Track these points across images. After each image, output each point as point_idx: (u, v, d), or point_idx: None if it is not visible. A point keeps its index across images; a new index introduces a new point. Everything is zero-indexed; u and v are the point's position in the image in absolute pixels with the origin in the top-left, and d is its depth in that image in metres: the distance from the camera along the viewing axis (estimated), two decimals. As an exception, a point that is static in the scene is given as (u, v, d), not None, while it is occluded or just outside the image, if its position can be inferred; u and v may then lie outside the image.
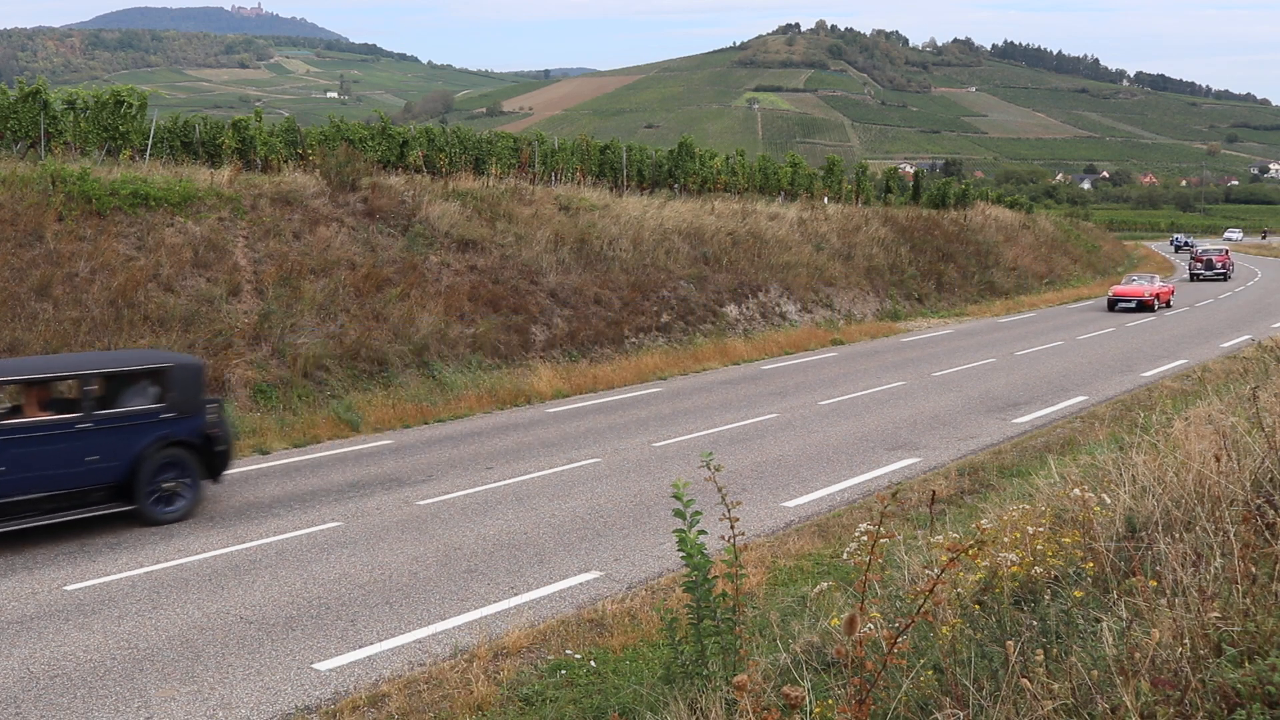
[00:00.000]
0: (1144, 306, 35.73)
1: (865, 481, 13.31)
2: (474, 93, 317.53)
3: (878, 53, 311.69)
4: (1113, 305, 36.02)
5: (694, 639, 6.01)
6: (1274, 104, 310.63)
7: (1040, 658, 4.38)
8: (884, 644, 4.17)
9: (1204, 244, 74.81)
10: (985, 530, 5.59)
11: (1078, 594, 5.40)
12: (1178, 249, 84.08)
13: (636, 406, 18.78)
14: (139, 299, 16.99)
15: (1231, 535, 5.15)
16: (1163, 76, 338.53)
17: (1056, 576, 5.82)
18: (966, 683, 4.50)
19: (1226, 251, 56.95)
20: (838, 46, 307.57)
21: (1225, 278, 52.25)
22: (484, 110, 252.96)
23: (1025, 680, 4.18)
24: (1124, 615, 4.74)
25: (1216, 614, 4.36)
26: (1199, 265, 53.19)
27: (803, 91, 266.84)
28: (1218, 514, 5.65)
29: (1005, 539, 6.21)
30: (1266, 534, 5.04)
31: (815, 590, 6.46)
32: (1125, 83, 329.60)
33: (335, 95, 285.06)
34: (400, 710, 7.28)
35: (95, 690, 7.66)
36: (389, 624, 8.87)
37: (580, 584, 9.84)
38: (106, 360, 12.16)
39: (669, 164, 35.17)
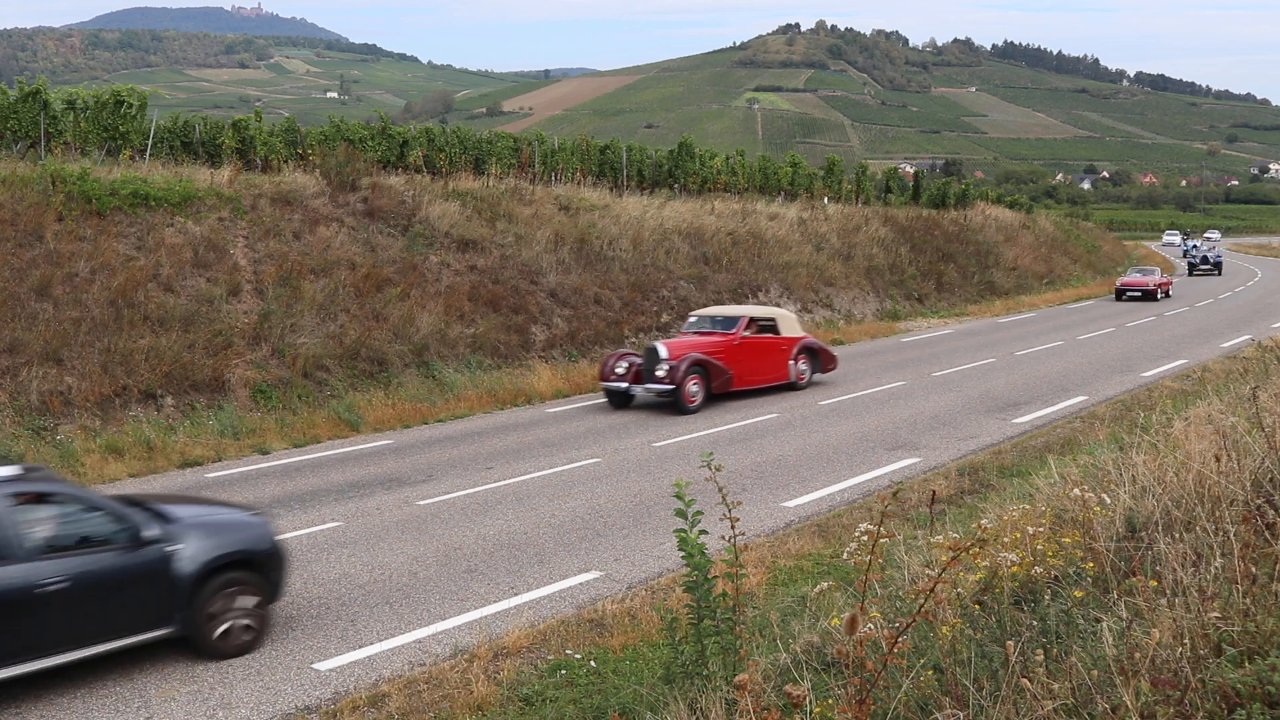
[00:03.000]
0: None
1: (865, 481, 13.30)
2: (474, 93, 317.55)
3: (878, 53, 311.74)
4: None
5: (694, 639, 6.00)
6: (1274, 104, 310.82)
7: (1040, 658, 4.38)
8: (884, 644, 4.17)
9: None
10: (985, 530, 5.59)
11: (1078, 594, 5.40)
12: (1185, 252, 77.12)
13: (637, 406, 18.77)
14: (139, 299, 16.99)
15: (1231, 535, 5.15)
16: (1163, 76, 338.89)
17: (1056, 576, 5.82)
18: (966, 683, 4.50)
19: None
20: (838, 46, 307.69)
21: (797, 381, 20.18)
22: (484, 110, 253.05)
23: (1025, 680, 4.18)
24: (1124, 615, 4.74)
25: (1216, 614, 4.36)
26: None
27: (803, 91, 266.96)
28: (1218, 514, 5.65)
29: (1005, 539, 6.21)
30: (1266, 534, 5.04)
31: (815, 590, 6.46)
32: (1125, 83, 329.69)
33: (335, 95, 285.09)
34: (400, 710, 7.28)
35: (95, 690, 7.66)
36: (389, 624, 8.87)
37: (580, 584, 9.84)
38: None
39: (669, 164, 35.16)
